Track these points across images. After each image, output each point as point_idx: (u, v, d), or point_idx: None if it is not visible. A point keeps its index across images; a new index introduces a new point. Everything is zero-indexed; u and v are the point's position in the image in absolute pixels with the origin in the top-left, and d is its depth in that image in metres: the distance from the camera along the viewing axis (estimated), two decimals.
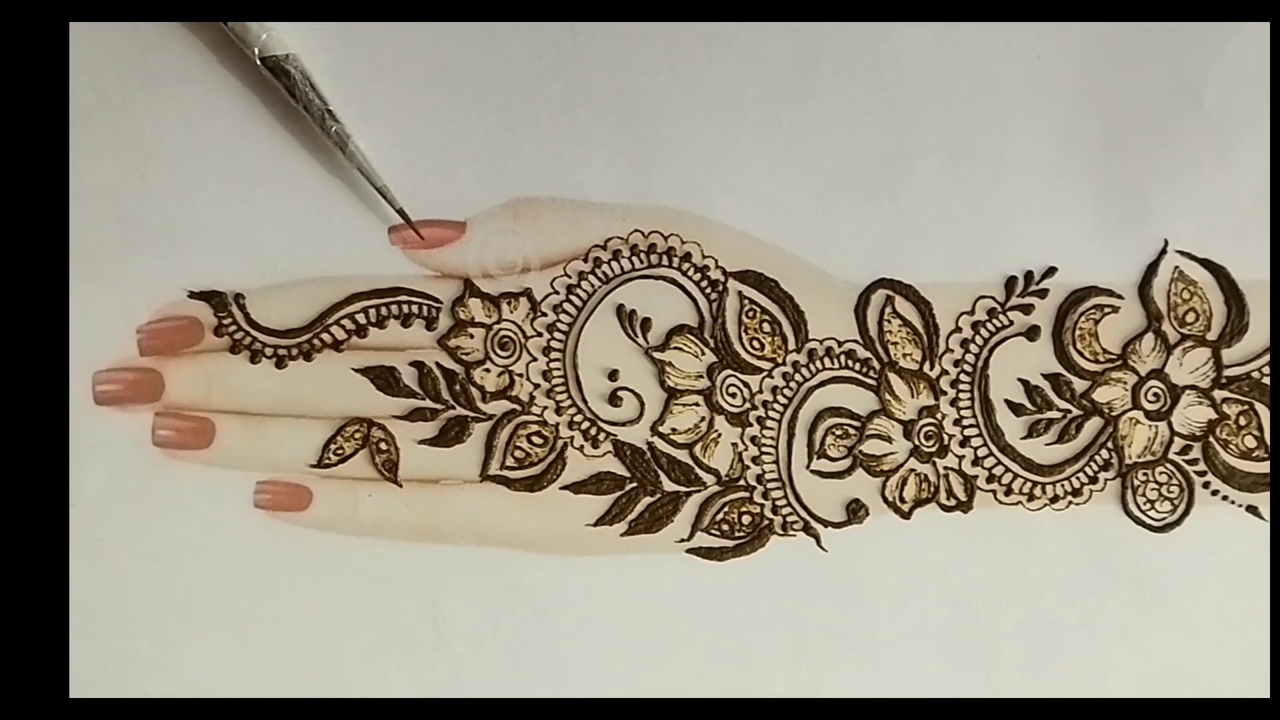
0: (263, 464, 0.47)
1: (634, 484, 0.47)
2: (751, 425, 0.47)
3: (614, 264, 0.47)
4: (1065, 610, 0.48)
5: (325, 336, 0.47)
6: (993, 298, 0.47)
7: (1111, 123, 0.47)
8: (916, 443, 0.47)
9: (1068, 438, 0.48)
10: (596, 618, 0.47)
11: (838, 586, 0.48)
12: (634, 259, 0.47)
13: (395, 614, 0.47)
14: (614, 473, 0.47)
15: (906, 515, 0.48)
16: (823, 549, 0.47)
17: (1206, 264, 0.47)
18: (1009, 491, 0.48)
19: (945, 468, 0.48)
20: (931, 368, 0.47)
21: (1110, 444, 0.48)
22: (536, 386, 0.47)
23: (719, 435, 0.47)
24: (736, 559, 0.48)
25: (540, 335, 0.47)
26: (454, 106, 0.46)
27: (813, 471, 0.48)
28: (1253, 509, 0.48)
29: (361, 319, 0.47)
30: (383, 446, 0.47)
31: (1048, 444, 0.48)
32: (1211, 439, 0.48)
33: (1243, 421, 0.48)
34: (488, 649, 0.47)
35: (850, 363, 0.47)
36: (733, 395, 0.47)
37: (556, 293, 0.47)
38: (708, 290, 0.47)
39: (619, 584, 0.47)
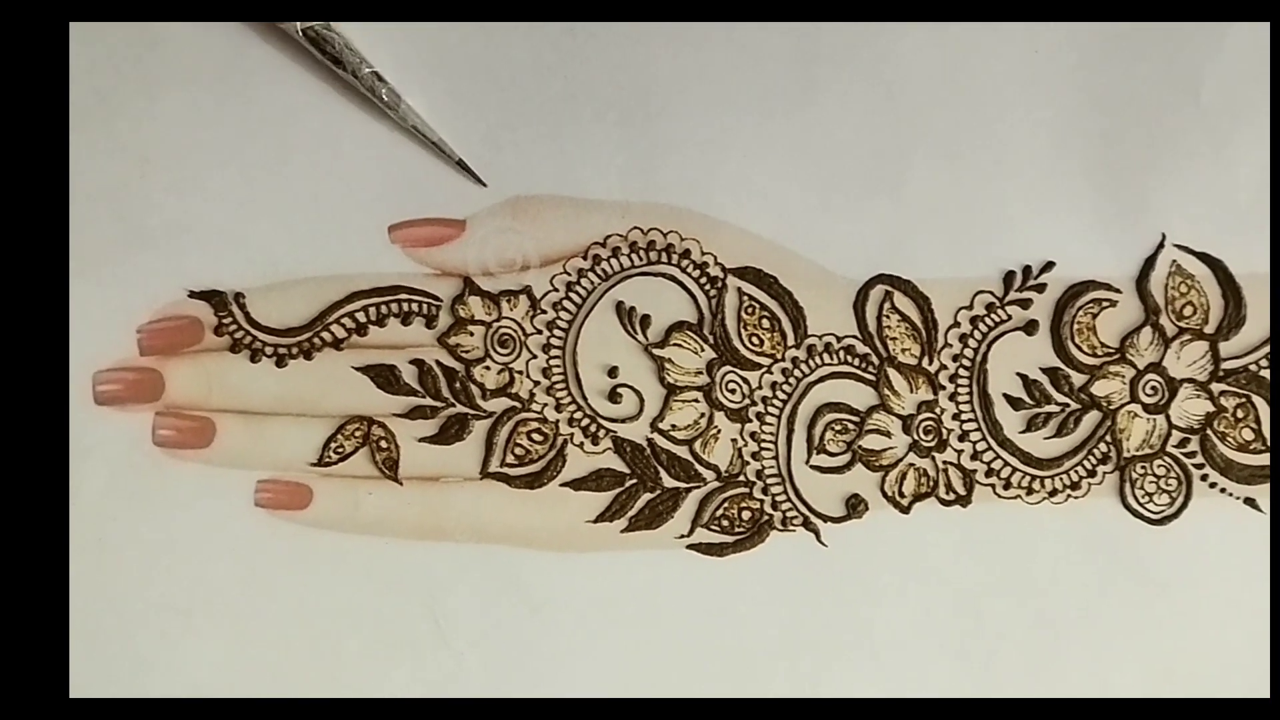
0: (263, 463, 0.47)
1: (634, 480, 0.47)
2: (751, 421, 0.47)
3: (613, 261, 0.47)
4: (1064, 603, 0.48)
5: (325, 335, 0.47)
6: (991, 292, 0.47)
7: (1109, 117, 0.47)
8: (915, 437, 0.48)
9: (1066, 431, 0.48)
10: (597, 614, 0.47)
11: (837, 581, 0.48)
12: (633, 256, 0.47)
13: (396, 611, 0.47)
14: (614, 469, 0.47)
15: (906, 510, 0.48)
16: (822, 544, 0.48)
17: (1204, 257, 0.47)
18: (1008, 485, 0.48)
19: (944, 462, 0.48)
20: (930, 362, 0.47)
21: (1108, 437, 0.48)
22: (536, 384, 0.47)
23: (719, 431, 0.47)
24: (736, 554, 0.48)
25: (540, 332, 0.47)
26: (453, 104, 0.46)
27: (812, 467, 0.48)
28: (1250, 501, 0.48)
29: (361, 317, 0.47)
30: (383, 444, 0.47)
31: (1046, 438, 0.48)
32: (1209, 432, 0.48)
33: (1240, 414, 0.48)
34: (488, 646, 0.47)
35: (849, 358, 0.47)
36: (732, 391, 0.47)
37: (556, 290, 0.47)
38: (707, 287, 0.47)
39: (619, 580, 0.47)
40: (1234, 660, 0.48)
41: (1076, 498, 0.48)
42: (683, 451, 0.47)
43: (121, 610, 0.47)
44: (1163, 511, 0.48)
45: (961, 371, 0.48)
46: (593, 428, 0.47)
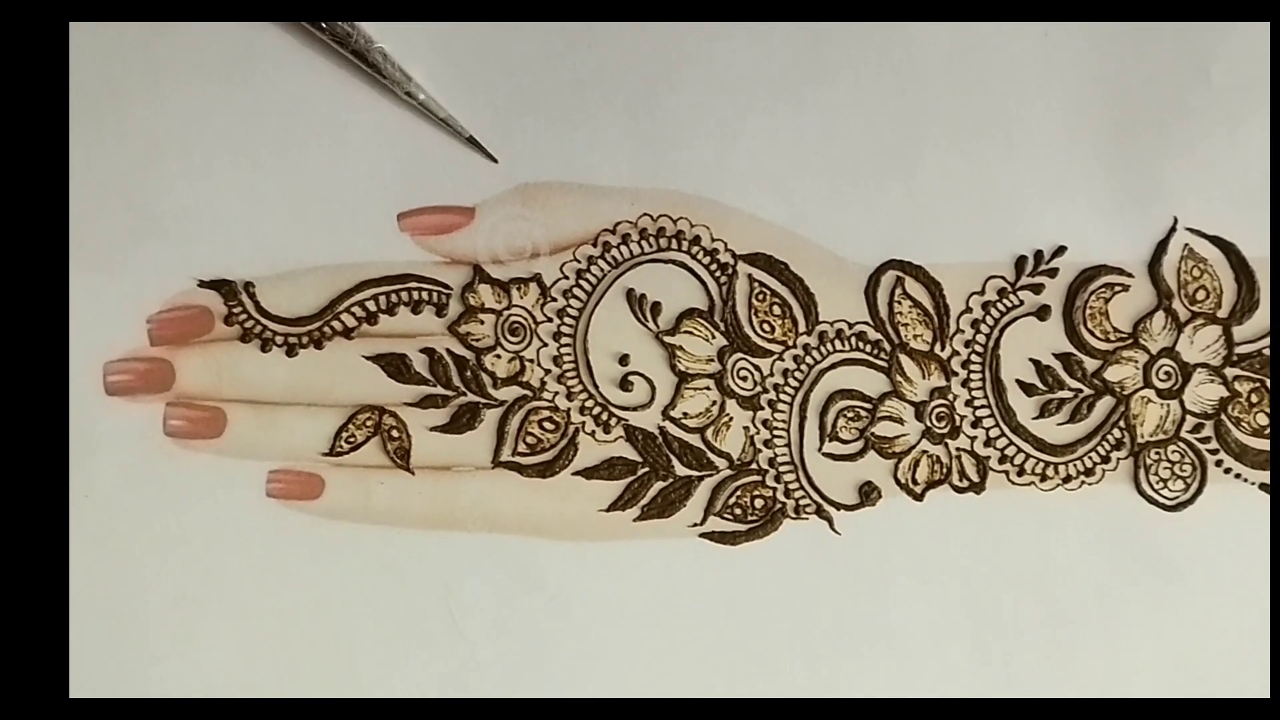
0: (274, 453, 0.47)
1: (646, 469, 0.47)
2: (763, 408, 0.47)
3: (623, 248, 0.47)
4: (1078, 590, 0.47)
5: (336, 324, 0.47)
6: (1003, 277, 0.47)
7: (1120, 101, 0.47)
8: (928, 424, 0.47)
9: (1079, 417, 0.48)
10: (609, 603, 0.47)
11: (851, 569, 0.47)
12: (643, 243, 0.47)
13: (409, 601, 0.47)
14: (626, 458, 0.47)
15: (919, 497, 0.47)
16: (835, 532, 0.47)
17: (1216, 241, 0.47)
18: (1021, 472, 0.48)
19: (957, 449, 0.47)
20: (942, 348, 0.47)
21: (1122, 423, 0.47)
22: (547, 372, 0.47)
23: (730, 419, 0.47)
24: (749, 543, 0.47)
25: (550, 320, 0.47)
26: (462, 90, 0.46)
27: (825, 454, 0.47)
28: (1265, 486, 0.47)
29: (372, 306, 0.47)
30: (394, 434, 0.47)
31: (1059, 424, 0.48)
32: (1223, 417, 0.47)
33: (1254, 399, 0.47)
34: (502, 635, 0.47)
35: (861, 344, 0.47)
36: (744, 379, 0.47)
37: (566, 277, 0.47)
38: (717, 273, 0.47)
39: (632, 569, 0.47)
40: (1250, 647, 0.47)
41: (1090, 484, 0.48)
42: (695, 439, 0.47)
43: (134, 601, 0.47)
44: (1177, 498, 0.48)
45: (974, 357, 0.47)
46: (604, 416, 0.47)
